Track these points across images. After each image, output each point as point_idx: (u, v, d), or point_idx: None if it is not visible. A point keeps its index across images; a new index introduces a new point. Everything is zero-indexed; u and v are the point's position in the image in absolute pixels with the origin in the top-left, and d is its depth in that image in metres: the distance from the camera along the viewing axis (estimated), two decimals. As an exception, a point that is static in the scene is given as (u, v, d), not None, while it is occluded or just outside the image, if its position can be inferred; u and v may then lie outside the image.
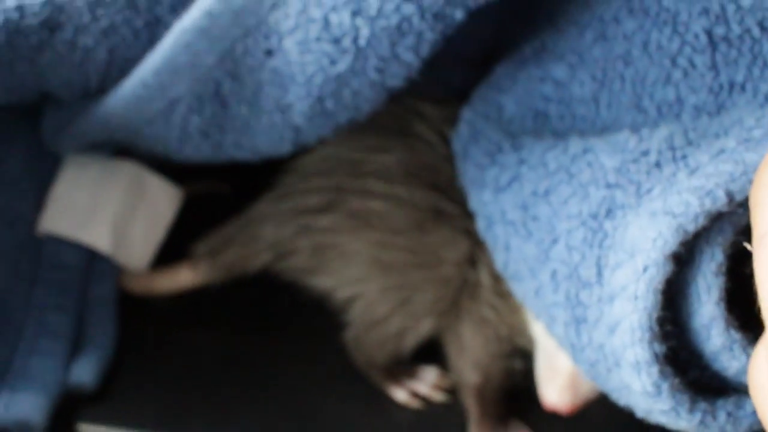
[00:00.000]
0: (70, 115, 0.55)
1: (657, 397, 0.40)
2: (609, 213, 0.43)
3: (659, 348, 0.40)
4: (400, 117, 0.57)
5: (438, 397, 0.57)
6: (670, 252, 0.39)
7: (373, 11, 0.45)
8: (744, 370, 0.42)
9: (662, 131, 0.45)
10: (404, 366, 0.58)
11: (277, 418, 0.56)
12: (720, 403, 0.42)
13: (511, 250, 0.49)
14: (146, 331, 0.60)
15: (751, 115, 0.43)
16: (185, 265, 0.61)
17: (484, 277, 0.55)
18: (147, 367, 0.58)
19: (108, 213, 0.59)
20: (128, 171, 0.60)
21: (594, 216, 0.44)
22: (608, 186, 0.44)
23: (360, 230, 0.56)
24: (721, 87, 0.45)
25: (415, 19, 0.45)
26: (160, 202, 0.61)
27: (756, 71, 0.45)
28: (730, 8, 0.45)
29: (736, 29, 0.45)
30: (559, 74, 0.51)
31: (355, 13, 0.45)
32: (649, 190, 0.42)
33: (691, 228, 0.39)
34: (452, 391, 0.57)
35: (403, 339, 0.57)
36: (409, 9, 0.45)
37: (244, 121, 0.52)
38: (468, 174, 0.53)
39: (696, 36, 0.45)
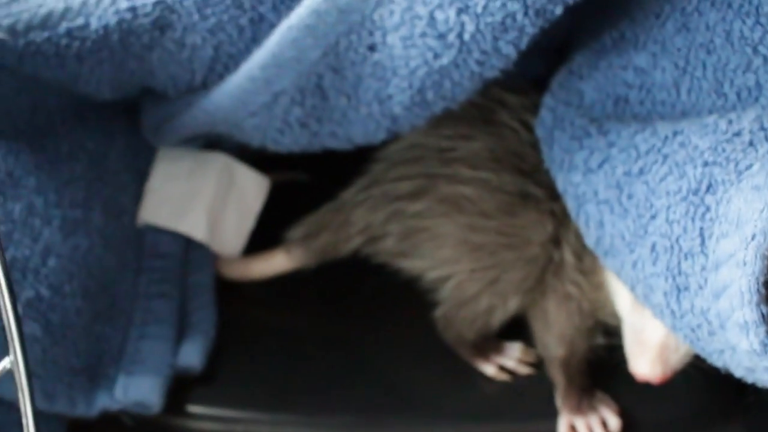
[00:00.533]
0: (173, 109, 0.58)
1: (764, 355, 0.43)
2: (710, 188, 0.46)
3: (766, 309, 0.42)
4: (483, 106, 0.60)
5: (523, 370, 0.60)
6: None
7: (479, 8, 0.47)
8: None
9: (750, 113, 0.47)
10: (492, 342, 0.61)
11: (374, 395, 0.59)
12: None
13: (605, 227, 0.52)
14: (244, 315, 0.63)
15: None
16: (280, 250, 0.64)
17: (568, 256, 0.58)
18: (248, 349, 0.62)
19: (202, 203, 0.62)
20: (219, 162, 0.63)
21: (695, 192, 0.46)
22: (705, 164, 0.47)
23: (450, 214, 0.59)
24: None
25: (519, 16, 0.47)
26: (249, 191, 0.65)
27: None
28: None
29: None
30: (641, 62, 0.53)
31: (461, 11, 0.48)
32: (749, 167, 0.45)
33: None
34: (537, 365, 0.61)
35: (492, 316, 0.60)
36: (514, 6, 0.47)
37: (342, 111, 0.54)
38: (555, 158, 0.56)
39: None
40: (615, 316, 0.58)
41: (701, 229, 0.46)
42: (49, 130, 0.57)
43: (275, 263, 0.64)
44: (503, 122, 0.59)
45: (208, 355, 0.59)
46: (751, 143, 0.46)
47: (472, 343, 0.61)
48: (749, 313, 0.42)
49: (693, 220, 0.46)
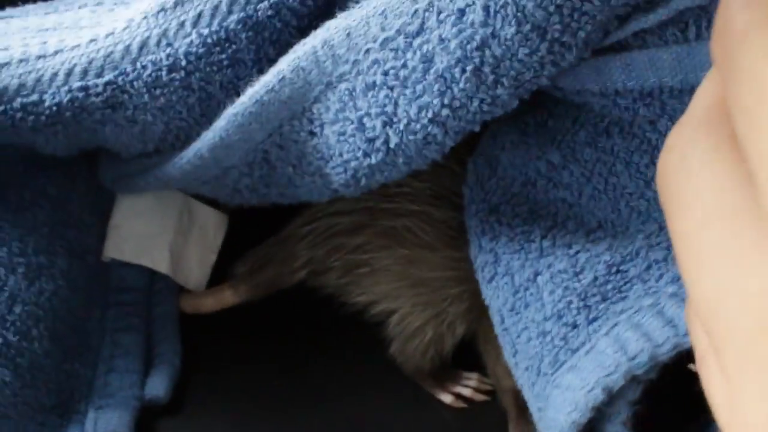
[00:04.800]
0: (128, 169, 0.60)
1: None
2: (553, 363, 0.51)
3: None
4: None
5: (479, 398, 0.63)
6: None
7: (402, 126, 0.49)
8: None
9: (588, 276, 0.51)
10: (449, 372, 0.63)
11: (336, 424, 0.61)
12: None
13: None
14: (207, 345, 0.65)
15: None
16: (227, 285, 0.65)
17: None
18: (211, 380, 0.63)
19: (165, 238, 0.64)
20: (179, 201, 0.65)
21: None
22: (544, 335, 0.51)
23: (390, 248, 0.60)
24: None
25: (440, 136, 0.50)
26: (209, 227, 0.67)
27: None
28: None
29: None
30: (554, 158, 0.55)
31: (386, 123, 0.50)
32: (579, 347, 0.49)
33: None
34: (492, 393, 0.63)
35: (442, 345, 0.62)
36: (434, 129, 0.49)
37: (288, 178, 0.57)
38: (470, 224, 0.58)
39: None
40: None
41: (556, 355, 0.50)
42: (11, 179, 0.59)
43: (223, 298, 0.65)
44: (444, 164, 0.61)
45: (174, 385, 0.61)
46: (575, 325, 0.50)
47: (430, 372, 0.63)
48: None
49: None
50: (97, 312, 0.62)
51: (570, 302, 0.50)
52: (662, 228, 0.51)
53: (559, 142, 0.55)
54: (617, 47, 0.48)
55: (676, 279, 0.47)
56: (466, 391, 0.63)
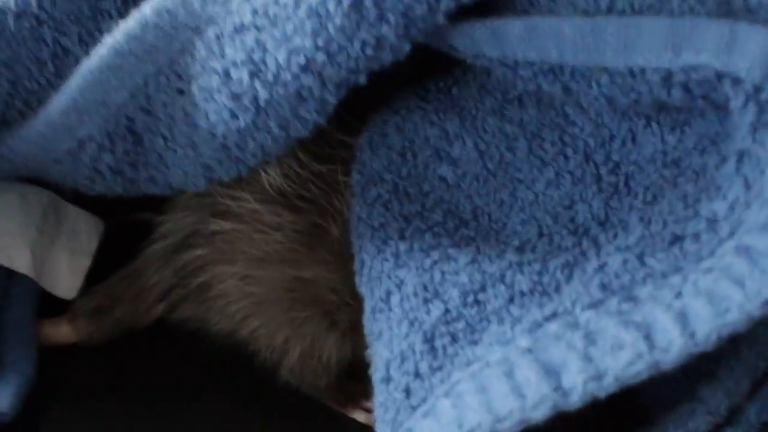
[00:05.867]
0: None
1: None
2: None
3: None
4: None
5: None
6: None
7: (270, 77, 0.42)
8: None
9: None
10: (360, 386, 0.53)
11: None
12: None
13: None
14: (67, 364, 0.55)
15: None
16: (66, 319, 0.56)
17: None
18: (71, 406, 0.53)
19: (25, 238, 0.55)
20: (43, 199, 0.57)
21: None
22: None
23: (225, 262, 0.51)
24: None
25: (316, 89, 0.42)
26: (81, 231, 0.58)
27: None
28: None
29: None
30: (450, 126, 0.47)
31: (253, 74, 0.43)
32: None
33: None
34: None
35: (321, 359, 0.52)
36: (308, 80, 0.42)
37: (159, 154, 0.49)
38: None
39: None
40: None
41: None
42: None
43: (60, 334, 0.55)
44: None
45: (21, 399, 0.50)
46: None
47: (334, 389, 0.53)
48: None
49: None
50: None
51: (414, 344, 0.40)
52: (541, 235, 0.42)
53: (461, 108, 0.47)
54: (519, 9, 0.42)
55: (536, 326, 0.38)
56: (383, 407, 0.52)
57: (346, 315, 0.50)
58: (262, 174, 0.49)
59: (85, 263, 0.57)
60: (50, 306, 0.56)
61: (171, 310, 0.55)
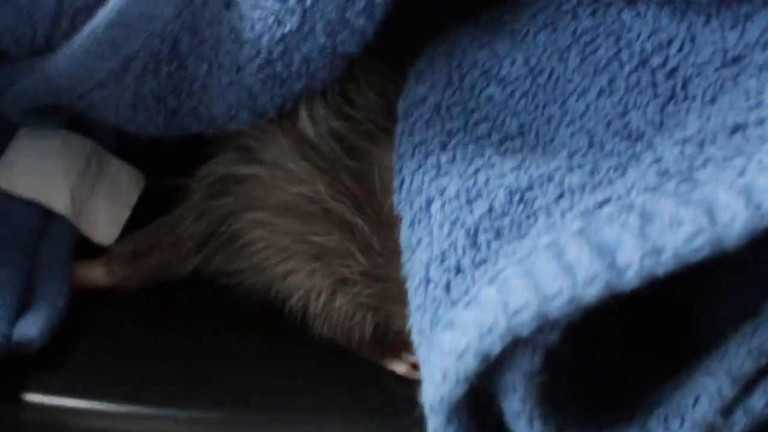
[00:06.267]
0: (16, 72, 0.51)
1: None
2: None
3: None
4: None
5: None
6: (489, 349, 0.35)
7: None
8: None
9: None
10: (397, 339, 0.51)
11: (251, 390, 0.49)
12: None
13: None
14: (101, 303, 0.54)
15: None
16: (101, 262, 0.55)
17: None
18: (99, 340, 0.52)
19: (66, 179, 0.55)
20: (86, 145, 0.57)
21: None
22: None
23: (253, 209, 0.50)
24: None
25: None
26: (122, 183, 0.58)
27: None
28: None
29: None
30: (501, 46, 0.46)
31: None
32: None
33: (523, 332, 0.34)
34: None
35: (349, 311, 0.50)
36: None
37: (202, 82, 0.48)
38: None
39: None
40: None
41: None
42: None
43: (94, 276, 0.54)
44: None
45: (50, 330, 0.49)
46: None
47: (369, 341, 0.51)
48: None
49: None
50: None
51: (456, 240, 0.39)
52: (591, 144, 0.41)
53: (512, 29, 0.46)
54: None
55: (588, 211, 0.36)
56: (424, 359, 0.50)
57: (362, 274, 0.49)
58: (299, 122, 0.49)
59: (124, 213, 0.56)
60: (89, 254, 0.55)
61: (206, 263, 0.53)
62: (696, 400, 0.35)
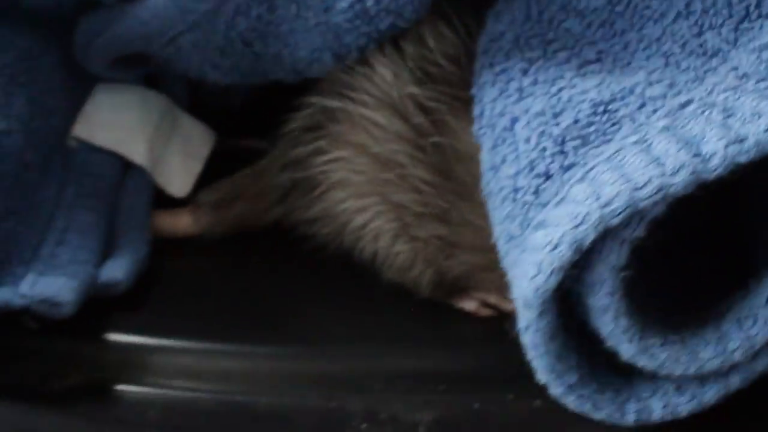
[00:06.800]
0: (109, 17, 0.52)
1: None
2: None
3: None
4: None
5: (508, 306, 0.51)
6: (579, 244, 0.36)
7: None
8: (633, 357, 0.39)
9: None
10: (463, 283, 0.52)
11: (321, 331, 0.51)
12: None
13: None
14: (180, 251, 0.55)
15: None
16: (188, 210, 0.56)
17: None
18: (181, 283, 0.54)
19: (143, 132, 0.57)
20: (161, 101, 0.58)
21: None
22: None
23: (331, 151, 0.51)
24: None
25: None
26: (194, 137, 0.59)
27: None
28: None
29: None
30: None
31: None
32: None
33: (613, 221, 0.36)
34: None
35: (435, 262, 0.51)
36: None
37: (289, 24, 0.50)
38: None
39: None
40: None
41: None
42: None
43: (180, 224, 0.56)
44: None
45: (134, 274, 0.51)
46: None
47: (438, 285, 0.52)
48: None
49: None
50: (54, 184, 0.53)
51: (544, 149, 0.40)
52: (668, 64, 0.42)
53: None
54: None
55: (673, 111, 0.38)
56: (493, 298, 0.51)
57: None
58: (375, 74, 0.50)
59: (197, 166, 0.58)
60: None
61: (288, 214, 0.55)
62: (767, 300, 0.36)
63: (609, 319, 0.38)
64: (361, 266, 0.53)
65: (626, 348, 0.38)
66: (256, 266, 0.55)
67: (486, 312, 0.51)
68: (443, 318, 0.51)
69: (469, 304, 0.52)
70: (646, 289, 0.38)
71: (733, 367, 0.39)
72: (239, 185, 0.56)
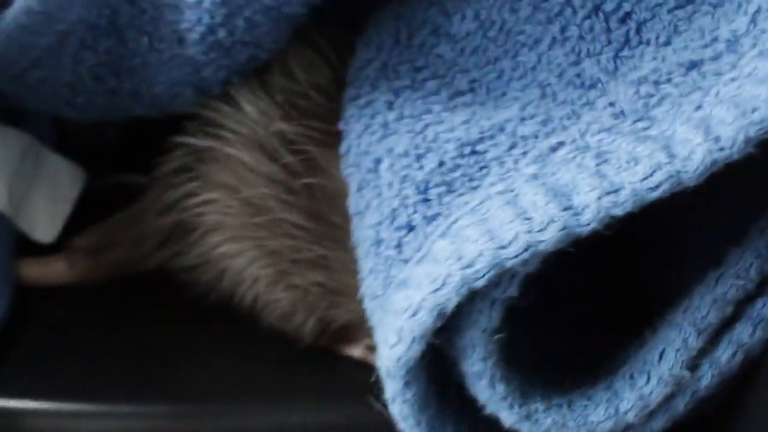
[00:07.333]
0: None
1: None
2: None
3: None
4: None
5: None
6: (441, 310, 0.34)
7: None
8: (515, 424, 0.37)
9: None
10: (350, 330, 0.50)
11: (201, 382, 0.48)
12: None
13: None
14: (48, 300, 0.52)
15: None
16: (63, 257, 0.53)
17: None
18: (43, 341, 0.50)
19: (2, 175, 0.52)
20: (21, 140, 0.55)
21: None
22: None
23: (208, 191, 0.49)
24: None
25: None
26: (61, 177, 0.56)
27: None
28: None
29: None
30: (451, 3, 0.45)
31: None
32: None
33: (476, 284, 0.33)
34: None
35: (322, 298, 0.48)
36: None
37: (142, 58, 0.47)
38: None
39: None
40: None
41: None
42: None
43: (52, 272, 0.53)
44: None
45: None
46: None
47: (320, 332, 0.49)
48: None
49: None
50: None
51: (406, 197, 0.37)
52: (544, 96, 0.40)
53: None
54: None
55: (543, 156, 0.35)
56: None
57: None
58: (240, 110, 0.47)
59: (65, 209, 0.55)
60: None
61: (169, 260, 0.52)
62: (661, 355, 0.34)
63: (485, 385, 0.35)
64: (244, 314, 0.50)
65: (507, 415, 0.36)
66: (129, 316, 0.52)
67: (373, 359, 0.49)
68: (329, 369, 0.49)
69: (354, 351, 0.49)
70: (530, 345, 0.36)
71: (627, 430, 0.37)
72: (117, 229, 0.53)
